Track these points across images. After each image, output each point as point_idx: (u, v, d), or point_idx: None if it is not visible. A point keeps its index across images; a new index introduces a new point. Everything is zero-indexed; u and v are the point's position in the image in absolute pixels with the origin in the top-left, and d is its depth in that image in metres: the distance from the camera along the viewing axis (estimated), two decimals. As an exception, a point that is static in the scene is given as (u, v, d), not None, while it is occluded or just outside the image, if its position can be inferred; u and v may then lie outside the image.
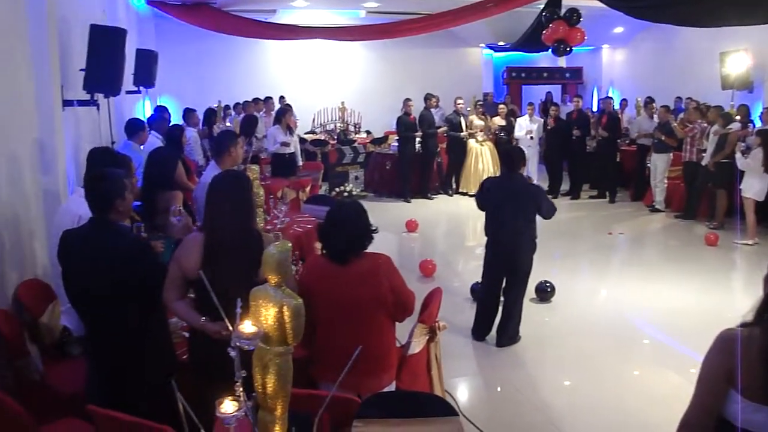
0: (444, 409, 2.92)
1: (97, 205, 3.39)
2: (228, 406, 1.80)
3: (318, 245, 6.09)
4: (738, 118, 10.89)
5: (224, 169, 4.98)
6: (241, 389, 1.85)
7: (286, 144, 10.00)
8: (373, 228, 3.56)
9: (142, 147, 7.07)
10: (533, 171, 12.86)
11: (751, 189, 9.33)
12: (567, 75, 19.20)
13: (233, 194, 3.24)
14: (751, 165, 9.24)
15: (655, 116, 11.96)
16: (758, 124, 10.91)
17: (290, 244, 1.96)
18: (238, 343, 1.82)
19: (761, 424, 2.15)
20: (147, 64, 10.35)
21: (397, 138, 13.11)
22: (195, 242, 3.20)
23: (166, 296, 3.22)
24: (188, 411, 1.85)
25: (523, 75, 19.43)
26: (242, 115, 12.33)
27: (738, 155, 9.48)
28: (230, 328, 1.91)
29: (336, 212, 3.61)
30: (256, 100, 13.44)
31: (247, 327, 1.84)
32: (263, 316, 1.94)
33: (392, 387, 3.69)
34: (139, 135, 7.15)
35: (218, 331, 3.06)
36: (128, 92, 9.85)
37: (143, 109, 12.25)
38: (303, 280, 3.57)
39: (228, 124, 12.43)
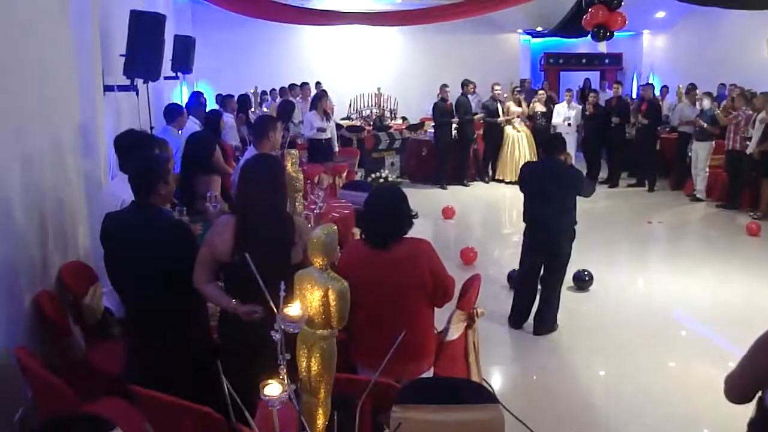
0: (484, 396, 2.90)
1: (139, 189, 3.42)
2: (273, 389, 1.80)
3: (356, 231, 6.10)
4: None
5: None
6: (285, 372, 1.84)
7: (322, 129, 10.02)
8: (413, 213, 3.54)
9: (180, 132, 7.13)
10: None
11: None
12: (606, 61, 18.91)
13: (265, 177, 3.21)
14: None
15: (698, 103, 11.70)
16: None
17: (335, 227, 1.95)
18: (283, 326, 1.82)
19: None
20: (185, 50, 10.44)
21: (433, 124, 13.04)
22: (227, 225, 3.20)
23: (196, 278, 3.23)
24: (232, 393, 1.85)
25: (561, 61, 19.18)
26: (279, 101, 12.35)
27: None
28: (272, 310, 1.90)
29: (376, 196, 3.60)
30: (292, 85, 13.47)
31: (293, 310, 1.83)
32: (308, 299, 1.93)
33: (430, 373, 3.68)
34: (178, 120, 7.21)
35: (249, 313, 3.07)
36: (166, 78, 9.94)
37: (181, 95, 12.36)
38: (342, 265, 3.56)
39: (265, 109, 12.48)
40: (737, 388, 2.47)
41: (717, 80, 13.69)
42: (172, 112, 7.27)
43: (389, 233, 3.45)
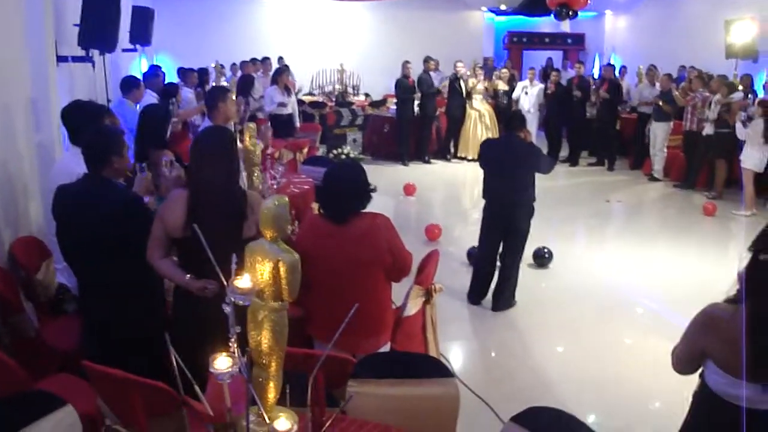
0: (440, 370, 2.91)
1: (93, 161, 3.35)
2: (222, 362, 1.78)
3: (315, 206, 6.06)
4: (741, 88, 10.80)
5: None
6: (235, 345, 1.82)
7: (283, 104, 9.94)
8: (372, 187, 3.52)
9: (137, 105, 6.99)
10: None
11: (750, 160, 9.28)
12: (569, 41, 19.00)
13: (216, 149, 3.16)
14: (751, 135, 9.19)
15: (657, 84, 11.84)
16: (761, 94, 10.80)
17: (287, 199, 1.92)
18: (233, 299, 1.79)
19: (741, 397, 2.25)
20: (143, 21, 10.23)
21: (395, 101, 13.00)
22: (179, 199, 3.14)
23: (149, 254, 3.18)
24: (181, 366, 1.83)
25: (524, 40, 19.23)
26: (239, 75, 12.19)
27: (738, 125, 9.43)
28: (223, 283, 1.88)
29: (335, 171, 3.58)
30: (253, 60, 13.28)
31: (243, 282, 1.80)
32: (258, 271, 1.90)
33: (387, 348, 3.69)
34: (134, 92, 7.06)
35: (202, 288, 3.04)
36: (124, 50, 9.74)
37: (140, 68, 12.12)
38: (300, 240, 3.54)
39: (225, 83, 12.30)
40: (680, 363, 2.55)
41: (677, 62, 13.84)
42: (129, 85, 7.12)
43: (347, 208, 3.44)
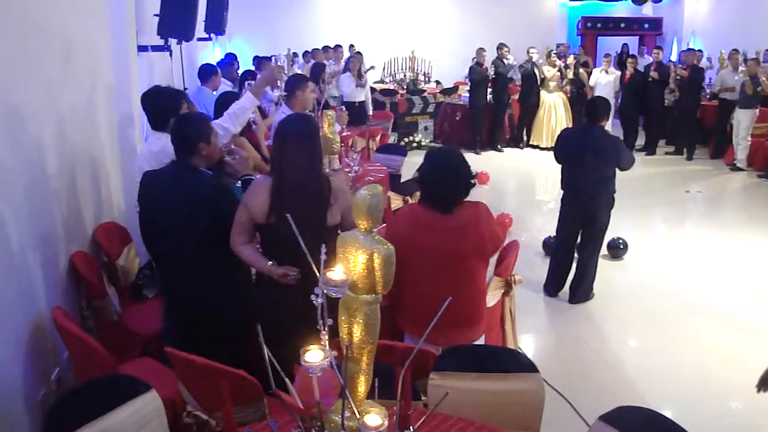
0: (524, 364, 2.83)
1: (181, 148, 3.36)
2: (314, 355, 1.74)
3: (390, 194, 6.02)
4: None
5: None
6: (326, 338, 1.79)
7: (361, 85, 9.95)
8: (474, 174, 3.44)
9: (214, 92, 7.07)
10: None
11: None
12: (646, 26, 18.42)
13: (300, 135, 3.12)
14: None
15: (740, 69, 11.35)
16: None
17: (381, 188, 1.87)
18: (325, 291, 1.75)
19: None
20: (217, 11, 10.34)
21: (468, 88, 12.85)
22: (263, 185, 3.13)
23: (232, 240, 3.18)
24: (271, 359, 1.80)
25: (598, 26, 18.73)
26: (312, 63, 12.24)
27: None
28: (314, 272, 1.84)
29: (439, 158, 3.48)
30: (325, 48, 13.32)
31: (336, 273, 1.76)
32: (352, 263, 1.86)
33: (482, 340, 3.60)
34: (212, 80, 7.17)
35: (284, 275, 3.02)
36: (199, 39, 9.87)
37: (213, 56, 12.30)
38: (397, 228, 3.47)
39: (297, 70, 12.36)
40: None
41: (763, 45, 13.23)
42: (207, 72, 7.23)
43: (454, 197, 3.36)
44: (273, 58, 10.54)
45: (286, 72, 11.27)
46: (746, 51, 12.22)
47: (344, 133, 6.65)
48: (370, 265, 1.83)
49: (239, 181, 3.82)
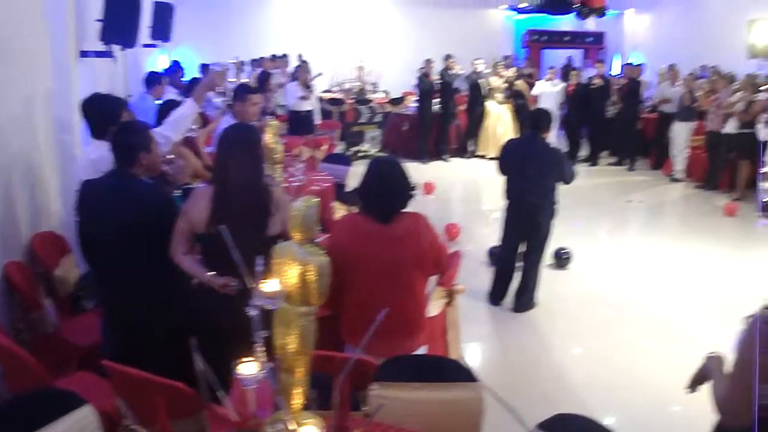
0: (465, 374, 2.85)
1: (122, 157, 3.31)
2: (248, 368, 1.73)
3: (335, 204, 6.02)
4: (765, 88, 10.65)
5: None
6: (261, 350, 1.78)
7: (305, 98, 9.92)
8: (413, 185, 3.45)
9: (158, 100, 6.98)
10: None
11: (773, 161, 9.14)
12: (589, 39, 18.79)
13: (241, 145, 3.11)
14: (773, 136, 9.06)
15: (678, 83, 11.70)
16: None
17: (316, 200, 1.87)
18: (260, 302, 1.74)
19: None
20: (163, 17, 10.26)
21: (415, 99, 12.93)
22: (204, 194, 3.11)
23: (172, 250, 3.15)
24: (206, 370, 1.78)
25: (543, 38, 19.02)
26: (259, 71, 12.19)
27: (760, 126, 9.27)
28: (247, 285, 1.83)
29: (379, 168, 3.46)
30: (273, 56, 13.27)
31: (270, 285, 1.76)
32: (286, 275, 1.85)
33: (424, 350, 3.61)
34: (157, 88, 7.07)
35: (225, 285, 3.00)
36: (144, 46, 9.75)
37: (158, 64, 12.14)
38: (337, 240, 3.44)
39: (245, 79, 12.29)
40: (735, 395, 2.28)
41: (698, 62, 13.65)
42: (152, 80, 7.14)
43: (394, 206, 3.35)
44: (214, 65, 10.49)
45: (229, 79, 11.25)
46: (683, 66, 12.57)
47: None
48: (305, 276, 1.83)
49: (179, 190, 3.78)
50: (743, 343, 2.17)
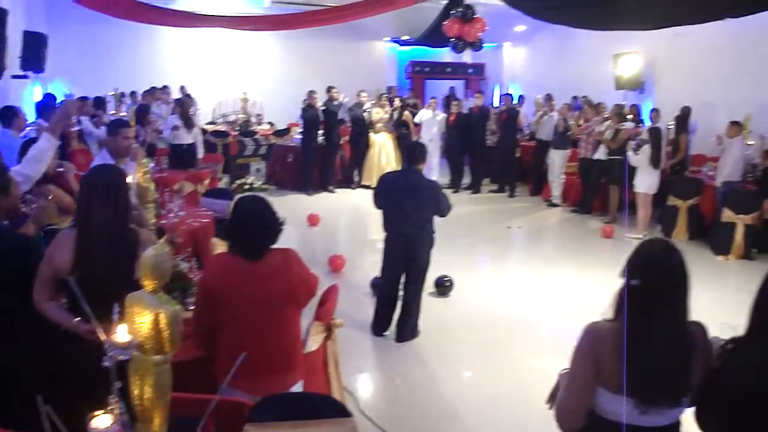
0: (338, 409, 2.87)
1: None
2: (101, 421, 1.69)
3: (215, 240, 5.93)
4: (630, 117, 11.35)
5: (115, 159, 4.78)
6: (116, 401, 1.73)
7: (177, 128, 9.77)
8: (281, 220, 3.46)
9: (21, 135, 6.67)
10: (435, 165, 13.01)
11: (642, 184, 9.69)
12: (470, 71, 19.43)
13: (104, 187, 3.05)
14: (641, 161, 9.60)
15: (555, 113, 12.27)
16: (648, 123, 11.36)
17: (168, 248, 1.86)
18: (112, 353, 1.71)
19: (621, 414, 2.36)
20: (36, 47, 9.88)
21: (299, 130, 12.97)
22: (67, 239, 3.01)
23: (35, 297, 3.02)
24: (57, 423, 1.73)
25: (426, 69, 19.57)
26: (137, 105, 11.92)
27: (630, 153, 9.83)
28: (101, 332, 1.79)
29: (245, 206, 3.45)
30: (153, 89, 13.00)
31: (120, 335, 1.73)
32: (138, 324, 1.82)
33: (301, 386, 3.59)
34: (15, 122, 6.71)
35: (92, 331, 2.90)
36: (14, 77, 9.35)
37: (32, 96, 11.67)
38: (208, 280, 3.40)
39: (123, 113, 11.98)
40: (569, 403, 2.54)
41: (571, 92, 14.40)
42: (7, 115, 6.76)
43: (262, 244, 3.35)
44: (66, 97, 10.14)
45: (110, 112, 10.94)
46: (558, 96, 13.23)
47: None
48: (157, 325, 1.81)
49: (42, 232, 3.63)
50: (573, 355, 2.42)
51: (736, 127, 9.38)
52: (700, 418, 2.42)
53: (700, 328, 2.46)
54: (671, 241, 2.73)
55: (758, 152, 9.68)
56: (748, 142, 9.64)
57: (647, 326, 2.31)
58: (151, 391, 1.85)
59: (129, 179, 3.69)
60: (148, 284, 1.83)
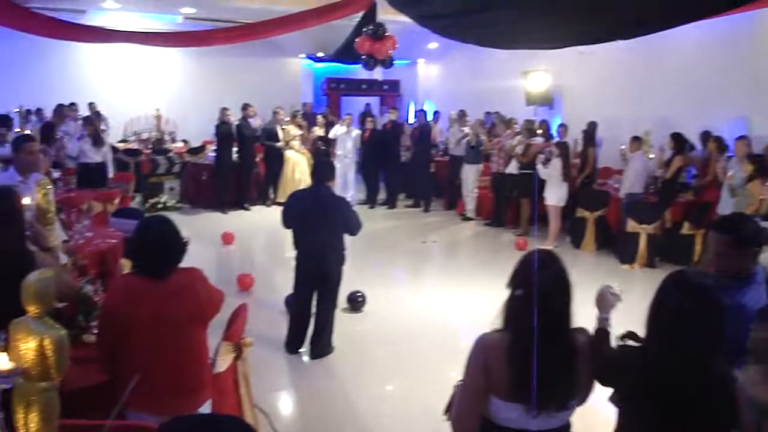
0: (245, 430, 2.86)
1: None
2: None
3: (124, 261, 5.81)
4: (540, 132, 11.71)
5: (22, 175, 4.69)
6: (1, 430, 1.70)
7: (98, 146, 9.58)
8: (185, 240, 3.43)
9: None
10: (350, 181, 13.10)
11: (553, 196, 9.99)
12: (385, 87, 19.63)
13: None
14: (551, 174, 9.90)
15: (467, 128, 12.53)
16: (556, 138, 11.74)
17: (52, 273, 1.83)
18: (-5, 381, 1.68)
19: (514, 421, 2.49)
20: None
21: (214, 148, 12.84)
22: None
23: None
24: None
25: (342, 86, 19.68)
26: (42, 122, 11.57)
27: (539, 166, 10.12)
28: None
29: (151, 225, 3.43)
30: (60, 105, 12.62)
31: (1, 363, 1.69)
32: (22, 350, 1.79)
33: (208, 406, 3.54)
34: None
35: None
36: None
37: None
38: (111, 302, 3.33)
39: (28, 131, 11.60)
40: (462, 409, 2.65)
41: (484, 108, 14.74)
42: None
43: (167, 263, 3.31)
44: None
45: (15, 129, 10.59)
46: (471, 112, 13.52)
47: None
48: (42, 351, 1.78)
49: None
50: (465, 366, 2.60)
51: (637, 142, 9.81)
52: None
53: (584, 334, 2.59)
54: (553, 251, 2.84)
55: (658, 165, 10.14)
56: (650, 156, 10.07)
57: (531, 334, 2.39)
58: (37, 420, 1.81)
59: (27, 200, 3.61)
60: (32, 309, 1.80)
